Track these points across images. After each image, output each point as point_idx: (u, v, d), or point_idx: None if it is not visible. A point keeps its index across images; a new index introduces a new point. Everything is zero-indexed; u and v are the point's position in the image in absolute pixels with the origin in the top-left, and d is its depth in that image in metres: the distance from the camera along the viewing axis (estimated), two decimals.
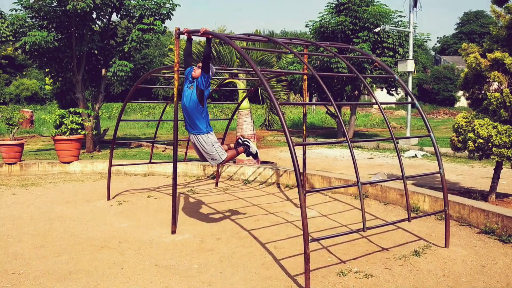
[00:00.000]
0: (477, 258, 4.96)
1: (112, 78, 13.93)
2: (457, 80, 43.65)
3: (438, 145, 16.29)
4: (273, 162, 11.46)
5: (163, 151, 15.11)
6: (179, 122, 6.44)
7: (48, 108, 34.91)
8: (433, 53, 66.29)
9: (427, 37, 20.53)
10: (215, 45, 10.18)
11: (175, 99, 5.97)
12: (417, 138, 16.90)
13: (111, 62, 14.14)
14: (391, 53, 18.66)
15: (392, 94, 20.70)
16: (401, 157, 5.06)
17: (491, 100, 6.38)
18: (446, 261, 4.90)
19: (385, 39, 18.33)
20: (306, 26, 20.71)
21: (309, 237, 4.02)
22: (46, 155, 13.08)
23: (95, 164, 10.80)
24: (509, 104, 6.19)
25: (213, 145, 5.48)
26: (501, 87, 6.57)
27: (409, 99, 5.55)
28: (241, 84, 10.66)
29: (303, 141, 7.66)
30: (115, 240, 5.73)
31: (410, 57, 17.68)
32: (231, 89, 11.31)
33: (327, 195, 8.22)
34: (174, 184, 6.02)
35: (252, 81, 10.58)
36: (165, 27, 14.35)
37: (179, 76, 6.15)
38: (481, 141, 6.30)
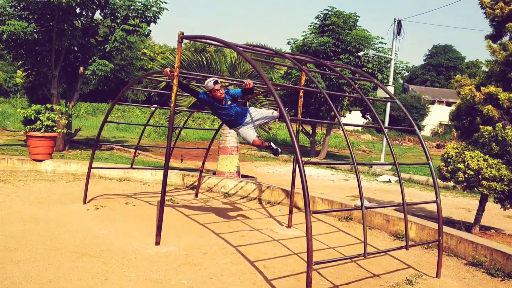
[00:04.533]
0: None
1: (91, 76, 13.51)
2: (422, 109, 45.24)
3: (411, 172, 16.31)
4: (253, 177, 11.30)
5: (136, 156, 14.67)
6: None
7: (12, 101, 33.56)
8: (401, 81, 68.08)
9: (406, 65, 21.04)
10: (207, 54, 10.01)
11: (172, 105, 5.75)
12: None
13: (90, 61, 13.72)
14: None
15: (366, 118, 21.03)
16: (402, 184, 5.01)
17: (484, 133, 6.47)
18: None
19: (365, 64, 18.64)
20: (288, 43, 20.83)
21: (306, 261, 3.89)
22: (13, 151, 12.46)
23: (68, 165, 10.33)
24: (500, 139, 6.29)
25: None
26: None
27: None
28: None
29: (294, 159, 7.56)
30: (96, 248, 5.41)
31: (390, 83, 18.01)
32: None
33: None
34: (163, 193, 5.77)
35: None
36: (149, 30, 14.06)
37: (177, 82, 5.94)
38: (471, 172, 6.36)
